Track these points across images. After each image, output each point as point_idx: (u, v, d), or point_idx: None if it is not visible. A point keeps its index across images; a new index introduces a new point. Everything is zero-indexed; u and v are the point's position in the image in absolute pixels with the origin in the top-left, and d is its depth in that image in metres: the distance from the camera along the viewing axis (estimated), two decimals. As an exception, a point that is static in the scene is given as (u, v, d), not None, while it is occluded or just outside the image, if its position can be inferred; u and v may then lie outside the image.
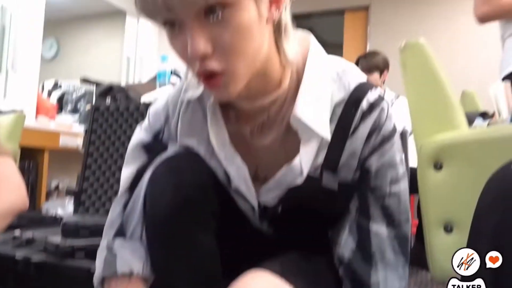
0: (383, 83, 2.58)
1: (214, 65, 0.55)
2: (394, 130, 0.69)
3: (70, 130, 3.22)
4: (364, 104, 0.66)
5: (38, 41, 3.46)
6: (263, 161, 0.72)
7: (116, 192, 1.69)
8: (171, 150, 0.74)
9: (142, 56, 4.70)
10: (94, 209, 1.69)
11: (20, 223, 1.57)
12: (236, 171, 0.70)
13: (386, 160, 0.68)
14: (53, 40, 5.33)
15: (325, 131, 0.65)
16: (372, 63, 2.51)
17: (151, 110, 0.81)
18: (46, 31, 3.57)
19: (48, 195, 3.20)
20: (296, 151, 0.67)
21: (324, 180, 0.67)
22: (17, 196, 0.87)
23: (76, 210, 1.72)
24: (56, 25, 4.95)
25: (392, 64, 2.53)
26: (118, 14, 4.73)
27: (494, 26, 1.46)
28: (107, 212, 1.71)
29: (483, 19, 1.27)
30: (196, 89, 0.72)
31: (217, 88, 0.58)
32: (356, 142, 0.67)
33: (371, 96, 0.67)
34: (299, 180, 0.67)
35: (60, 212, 2.84)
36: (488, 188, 0.57)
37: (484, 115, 1.07)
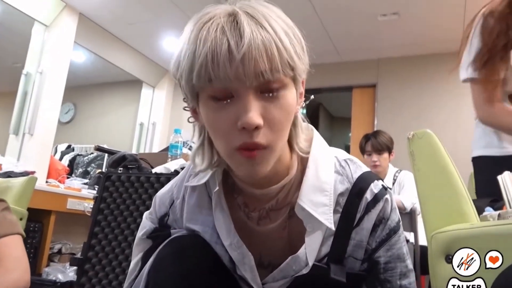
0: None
1: (260, 138, 0.57)
2: (399, 221, 0.70)
3: (79, 194, 3.24)
4: (368, 195, 0.67)
5: (57, 106, 3.58)
6: (266, 247, 0.72)
7: (120, 263, 1.66)
8: (175, 234, 0.74)
9: (155, 122, 4.84)
10: (97, 280, 1.65)
11: None
12: (242, 259, 0.70)
13: (394, 253, 0.68)
14: (71, 104, 5.53)
15: (329, 221, 0.65)
16: (383, 143, 2.52)
17: (156, 196, 0.82)
18: (64, 96, 3.69)
19: (49, 258, 3.15)
20: (300, 238, 0.67)
21: (332, 272, 0.66)
22: (21, 277, 0.98)
23: (78, 280, 1.68)
24: (75, 90, 5.15)
25: (398, 138, 2.56)
26: (135, 83, 4.94)
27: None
28: (109, 283, 1.66)
29: (484, 123, 1.34)
30: (202, 177, 0.73)
31: (253, 160, 0.58)
32: (361, 233, 0.67)
33: (374, 186, 0.68)
34: (305, 270, 0.66)
35: (60, 277, 2.77)
36: (498, 285, 0.56)
37: (494, 203, 1.07)
